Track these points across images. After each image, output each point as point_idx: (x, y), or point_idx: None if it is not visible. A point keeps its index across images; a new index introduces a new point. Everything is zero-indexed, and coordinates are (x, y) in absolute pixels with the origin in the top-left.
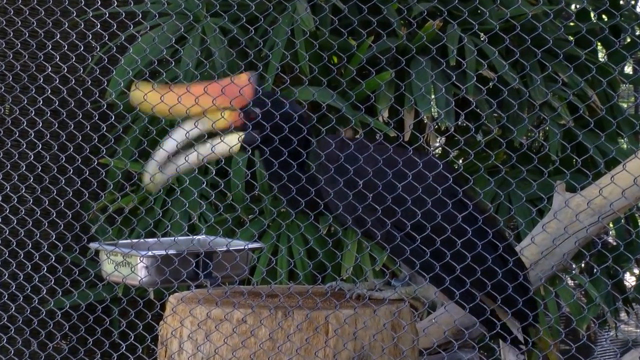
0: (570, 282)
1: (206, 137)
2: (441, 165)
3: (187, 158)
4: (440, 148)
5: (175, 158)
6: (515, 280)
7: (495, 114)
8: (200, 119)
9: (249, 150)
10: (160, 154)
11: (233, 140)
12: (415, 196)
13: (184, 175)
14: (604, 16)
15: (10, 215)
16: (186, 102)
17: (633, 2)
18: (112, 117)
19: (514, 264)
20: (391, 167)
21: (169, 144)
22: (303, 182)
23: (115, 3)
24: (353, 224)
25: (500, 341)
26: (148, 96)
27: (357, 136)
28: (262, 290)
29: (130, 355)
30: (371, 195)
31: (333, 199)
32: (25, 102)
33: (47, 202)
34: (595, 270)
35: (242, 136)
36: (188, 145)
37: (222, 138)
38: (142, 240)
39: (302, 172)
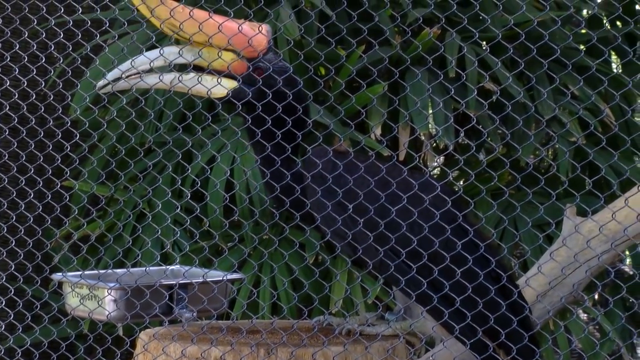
0: (583, 316)
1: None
2: (439, 187)
3: (161, 77)
4: (438, 168)
5: (147, 75)
6: (516, 317)
7: (499, 131)
8: (189, 49)
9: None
10: (126, 65)
11: (227, 84)
12: (411, 221)
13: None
14: (617, 23)
15: None
16: (190, 28)
17: None
18: (76, 136)
19: (516, 299)
20: (385, 189)
21: (141, 60)
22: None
23: (80, 10)
24: (343, 250)
25: None
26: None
27: (351, 150)
28: (243, 325)
29: None
30: (362, 220)
31: (321, 225)
32: None
33: (5, 229)
34: (609, 302)
35: (237, 87)
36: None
37: (218, 80)
38: (110, 270)
39: (290, 162)
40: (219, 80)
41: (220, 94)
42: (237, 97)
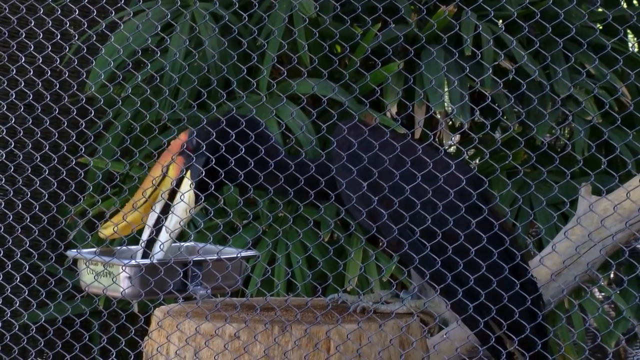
0: (599, 294)
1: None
2: (453, 165)
3: (168, 228)
4: (453, 147)
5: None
6: (526, 303)
7: (515, 109)
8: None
9: (210, 186)
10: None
11: (185, 186)
12: (437, 199)
13: None
14: (634, 1)
15: None
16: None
17: None
18: (91, 112)
19: (526, 282)
20: (417, 168)
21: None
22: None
23: None
24: (361, 224)
25: None
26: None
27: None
28: (257, 302)
29: None
30: (397, 199)
31: (344, 199)
32: None
33: (20, 206)
34: (624, 281)
35: (189, 172)
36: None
37: (181, 198)
38: (124, 247)
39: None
40: (181, 198)
41: (188, 186)
42: (197, 174)
